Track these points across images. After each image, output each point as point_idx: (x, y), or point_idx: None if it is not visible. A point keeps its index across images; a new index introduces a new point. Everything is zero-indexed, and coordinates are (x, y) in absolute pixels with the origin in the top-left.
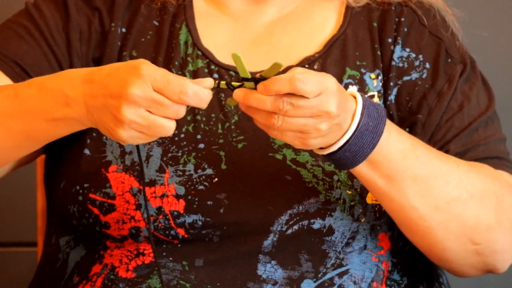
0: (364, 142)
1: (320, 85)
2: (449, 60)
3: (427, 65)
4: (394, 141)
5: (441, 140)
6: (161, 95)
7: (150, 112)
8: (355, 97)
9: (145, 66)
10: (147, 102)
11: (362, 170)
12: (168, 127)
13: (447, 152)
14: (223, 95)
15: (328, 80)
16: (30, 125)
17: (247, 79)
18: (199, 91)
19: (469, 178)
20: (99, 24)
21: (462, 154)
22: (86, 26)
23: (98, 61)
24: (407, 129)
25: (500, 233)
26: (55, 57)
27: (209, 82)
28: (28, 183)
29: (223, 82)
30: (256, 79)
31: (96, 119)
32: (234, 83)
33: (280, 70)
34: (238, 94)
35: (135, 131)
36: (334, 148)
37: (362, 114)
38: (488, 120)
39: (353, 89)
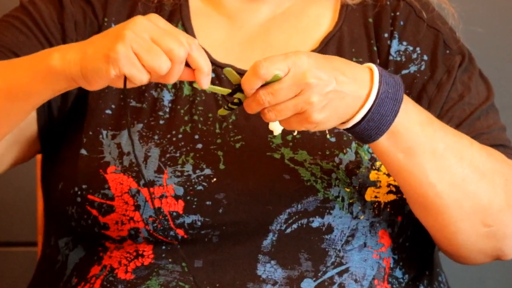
0: (386, 109)
1: (286, 61)
2: (448, 51)
3: (425, 57)
4: (413, 111)
5: None
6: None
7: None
8: (370, 68)
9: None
10: (154, 29)
11: (383, 143)
12: (166, 59)
13: None
14: (220, 94)
15: (294, 54)
16: (10, 80)
17: (232, 92)
18: (203, 52)
19: (481, 157)
20: (94, 17)
21: None
22: (81, 17)
23: None
24: None
25: (511, 216)
26: (50, 47)
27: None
28: (28, 183)
29: (231, 105)
30: (234, 90)
31: (90, 52)
32: (231, 105)
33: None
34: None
35: (132, 52)
36: (357, 118)
37: (380, 81)
38: (488, 109)
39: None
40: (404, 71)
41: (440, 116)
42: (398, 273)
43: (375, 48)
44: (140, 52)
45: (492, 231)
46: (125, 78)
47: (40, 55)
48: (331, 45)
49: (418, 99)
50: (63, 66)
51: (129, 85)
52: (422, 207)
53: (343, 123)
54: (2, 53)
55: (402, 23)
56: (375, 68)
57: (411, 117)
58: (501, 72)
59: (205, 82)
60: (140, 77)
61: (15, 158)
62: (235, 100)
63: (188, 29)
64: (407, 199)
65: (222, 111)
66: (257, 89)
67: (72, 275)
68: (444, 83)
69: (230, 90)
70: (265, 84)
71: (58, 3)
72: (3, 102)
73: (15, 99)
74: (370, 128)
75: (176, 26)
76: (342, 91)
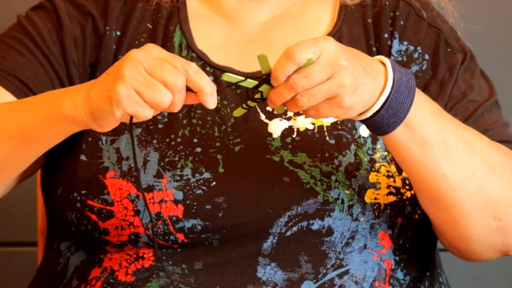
0: (403, 97)
1: (317, 45)
2: (449, 49)
3: (426, 56)
4: (424, 102)
5: None
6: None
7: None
8: (381, 60)
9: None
10: (150, 61)
11: (399, 135)
12: (166, 92)
13: None
14: (218, 98)
15: (323, 39)
16: (24, 124)
17: (259, 84)
18: (202, 73)
19: (491, 151)
20: (93, 29)
21: None
22: (80, 32)
23: (94, 66)
24: None
25: None
26: (52, 67)
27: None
28: (28, 183)
29: (250, 103)
30: (263, 80)
31: (94, 96)
32: (250, 102)
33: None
34: (271, 103)
35: (133, 90)
36: (378, 105)
37: (394, 70)
38: (491, 106)
39: None
40: None
41: None
42: (399, 274)
43: (374, 49)
44: (140, 89)
45: (502, 225)
46: (131, 117)
47: (52, 99)
48: None
49: None
50: (74, 112)
51: (135, 121)
52: (435, 202)
53: (362, 113)
54: (2, 77)
55: (402, 22)
56: (386, 59)
57: (424, 107)
58: (501, 71)
59: (210, 102)
60: (145, 113)
61: (22, 176)
62: (257, 96)
63: (186, 32)
64: (419, 195)
65: (239, 111)
66: (289, 75)
67: (72, 277)
68: (446, 81)
69: (256, 82)
70: (296, 71)
71: (56, 20)
72: (17, 144)
73: (29, 142)
74: (389, 116)
75: (174, 29)
76: (367, 76)
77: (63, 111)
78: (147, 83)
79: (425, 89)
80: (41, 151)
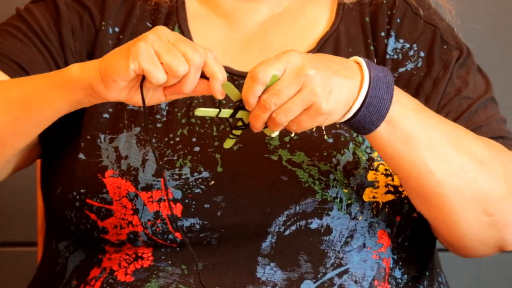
0: (382, 92)
1: (280, 60)
2: (445, 46)
3: (422, 54)
4: (404, 97)
5: None
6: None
7: None
8: (354, 60)
9: None
10: (173, 36)
11: (382, 133)
12: (183, 61)
13: None
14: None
15: (284, 53)
16: (28, 90)
17: (234, 111)
18: (219, 62)
19: (478, 146)
20: (91, 22)
21: None
22: (78, 22)
23: (90, 57)
24: None
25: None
26: (50, 54)
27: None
28: (28, 183)
29: (236, 132)
30: (237, 107)
31: (109, 55)
32: (235, 131)
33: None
34: (252, 127)
35: (153, 50)
36: (358, 103)
37: (368, 67)
38: (487, 102)
39: None
40: (401, 69)
41: (438, 111)
42: (397, 273)
43: (372, 47)
44: (160, 51)
45: (494, 220)
46: (142, 79)
47: (58, 70)
48: (328, 45)
49: (415, 96)
50: (81, 73)
51: (145, 90)
52: (424, 199)
53: (344, 114)
54: (1, 61)
55: (398, 20)
56: (360, 59)
57: (405, 103)
58: (499, 69)
59: (219, 90)
60: (157, 75)
61: (17, 164)
62: (239, 123)
63: (185, 31)
64: (408, 193)
65: (229, 142)
66: (260, 96)
67: (72, 277)
68: (440, 78)
69: (231, 111)
70: (265, 90)
71: (54, 10)
72: (20, 112)
73: (31, 108)
74: (370, 113)
75: (173, 29)
76: (339, 78)
77: (70, 71)
78: (168, 48)
79: (419, 86)
80: (42, 123)
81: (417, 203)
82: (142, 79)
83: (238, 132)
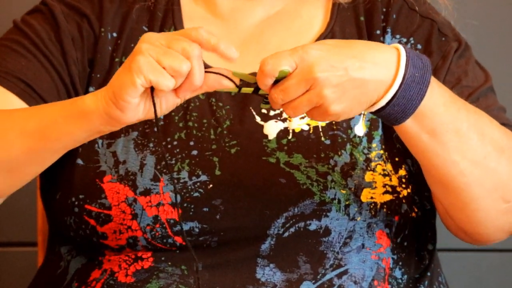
0: (412, 93)
1: (293, 55)
2: (443, 38)
3: (419, 46)
4: (438, 92)
5: None
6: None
7: None
8: (397, 49)
9: None
10: (165, 37)
11: (409, 125)
12: (183, 59)
13: None
14: (213, 100)
15: (301, 49)
16: (44, 121)
17: (254, 91)
18: (213, 34)
19: (500, 134)
20: (90, 29)
21: None
22: (77, 31)
23: (91, 66)
24: None
25: None
26: (53, 67)
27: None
28: (28, 183)
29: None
30: (257, 87)
31: (114, 77)
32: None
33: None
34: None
35: (152, 59)
36: (382, 103)
37: (407, 65)
38: (487, 91)
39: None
40: None
41: None
42: (397, 273)
43: None
44: (158, 57)
45: (510, 206)
46: (152, 90)
47: (72, 100)
48: None
49: None
50: (96, 102)
51: (157, 99)
52: (444, 186)
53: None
54: (7, 80)
55: (394, 16)
56: (402, 50)
57: (436, 99)
58: (497, 65)
59: (232, 52)
60: (165, 81)
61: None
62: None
63: None
64: (428, 178)
65: (263, 106)
66: (270, 87)
67: (73, 280)
68: (439, 68)
69: (252, 89)
70: (277, 81)
71: (53, 20)
72: (37, 143)
73: (48, 140)
74: (395, 112)
75: (169, 31)
76: (358, 79)
77: (84, 105)
78: (165, 51)
79: None
80: (59, 151)
81: (435, 189)
82: (152, 90)
83: (266, 106)
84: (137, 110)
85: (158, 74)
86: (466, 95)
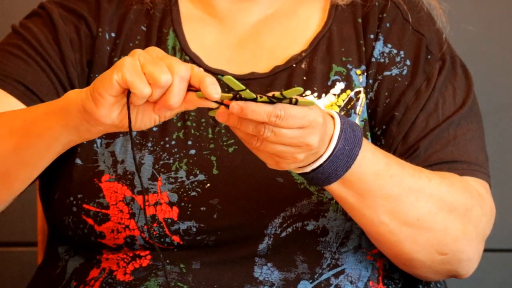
0: (338, 165)
1: (303, 120)
2: (429, 56)
3: (408, 62)
4: (369, 162)
5: (414, 139)
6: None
7: None
8: (333, 118)
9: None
10: (159, 52)
11: (334, 188)
12: (166, 71)
13: (416, 151)
14: None
15: (313, 114)
16: (28, 118)
17: (232, 98)
18: (205, 73)
19: (440, 193)
20: (87, 30)
21: (430, 154)
22: (75, 33)
23: (90, 66)
24: (384, 127)
25: (466, 243)
26: (52, 70)
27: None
28: None
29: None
30: (272, 99)
31: (97, 79)
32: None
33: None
34: (235, 107)
35: (138, 62)
36: (307, 169)
37: (339, 138)
38: (461, 118)
39: (339, 86)
40: (386, 73)
41: (415, 124)
42: (395, 274)
43: (363, 48)
44: (145, 63)
45: (446, 258)
46: (128, 93)
47: (61, 97)
48: (321, 45)
49: (396, 104)
50: (78, 94)
51: (132, 106)
52: (375, 240)
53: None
54: (6, 83)
55: (388, 25)
56: (338, 122)
57: (366, 168)
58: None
59: (213, 91)
60: (139, 85)
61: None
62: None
63: (179, 34)
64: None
65: (211, 113)
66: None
67: (71, 279)
68: (422, 91)
69: (254, 96)
70: (273, 102)
71: (50, 23)
72: (20, 140)
73: (31, 136)
74: (318, 178)
75: (168, 31)
76: (317, 153)
77: (67, 97)
78: (153, 60)
79: (401, 95)
80: (44, 153)
81: (369, 238)
82: (128, 93)
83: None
84: (111, 110)
85: (136, 76)
86: (438, 123)
